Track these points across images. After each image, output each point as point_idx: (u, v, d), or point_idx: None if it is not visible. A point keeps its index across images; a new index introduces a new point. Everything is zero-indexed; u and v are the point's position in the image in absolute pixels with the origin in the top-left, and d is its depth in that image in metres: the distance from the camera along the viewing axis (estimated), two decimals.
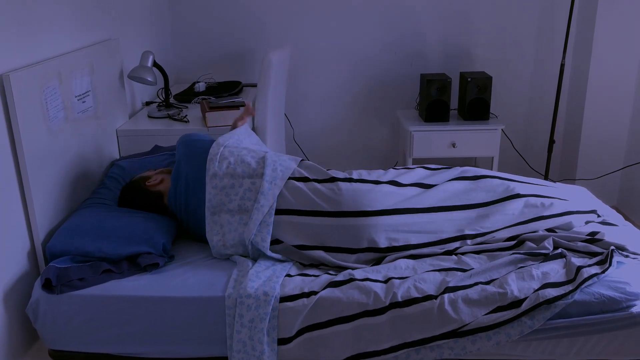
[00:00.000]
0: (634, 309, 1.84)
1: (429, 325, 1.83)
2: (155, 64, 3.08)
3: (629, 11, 3.42)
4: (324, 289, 1.92)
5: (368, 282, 1.92)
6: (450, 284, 1.90)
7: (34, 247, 2.16)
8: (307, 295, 1.90)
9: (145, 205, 2.34)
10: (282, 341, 1.88)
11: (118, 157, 2.92)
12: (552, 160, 3.83)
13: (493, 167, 3.53)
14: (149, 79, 2.99)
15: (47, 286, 1.96)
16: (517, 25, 3.77)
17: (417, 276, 1.95)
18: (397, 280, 1.93)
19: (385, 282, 1.94)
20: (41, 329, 1.99)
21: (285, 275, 2.01)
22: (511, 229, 2.18)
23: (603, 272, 1.91)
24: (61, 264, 2.00)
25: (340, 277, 1.97)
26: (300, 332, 1.88)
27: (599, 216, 2.33)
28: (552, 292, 1.84)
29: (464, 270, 1.98)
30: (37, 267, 2.18)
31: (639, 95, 3.53)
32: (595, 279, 1.89)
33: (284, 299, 1.90)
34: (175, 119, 3.05)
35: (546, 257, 2.02)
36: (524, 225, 2.19)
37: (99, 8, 2.81)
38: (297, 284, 1.95)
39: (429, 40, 3.82)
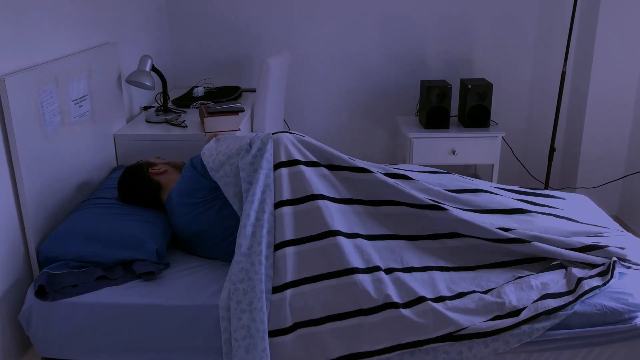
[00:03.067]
0: (637, 321, 1.82)
1: (425, 328, 1.80)
2: (153, 69, 3.06)
3: (630, 19, 3.41)
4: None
5: (362, 278, 1.90)
6: (444, 293, 1.88)
7: (27, 252, 2.13)
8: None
9: (142, 192, 2.31)
10: (277, 333, 1.85)
11: (115, 162, 2.90)
12: (553, 168, 3.81)
13: (493, 174, 3.50)
14: (147, 83, 2.97)
15: (41, 293, 1.93)
16: (517, 32, 3.76)
17: (411, 275, 1.95)
18: (391, 285, 1.90)
19: (378, 270, 1.94)
20: (34, 337, 1.96)
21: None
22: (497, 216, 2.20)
23: (604, 284, 1.89)
24: (55, 270, 1.97)
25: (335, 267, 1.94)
26: (295, 327, 1.85)
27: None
28: (551, 303, 1.82)
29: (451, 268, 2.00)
30: (31, 272, 2.15)
31: (639, 103, 3.51)
32: (597, 291, 1.86)
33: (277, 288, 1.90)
34: (173, 124, 3.03)
35: (546, 267, 2.00)
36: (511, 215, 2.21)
37: (97, 12, 2.79)
38: (283, 273, 1.93)
39: (429, 46, 3.81)
